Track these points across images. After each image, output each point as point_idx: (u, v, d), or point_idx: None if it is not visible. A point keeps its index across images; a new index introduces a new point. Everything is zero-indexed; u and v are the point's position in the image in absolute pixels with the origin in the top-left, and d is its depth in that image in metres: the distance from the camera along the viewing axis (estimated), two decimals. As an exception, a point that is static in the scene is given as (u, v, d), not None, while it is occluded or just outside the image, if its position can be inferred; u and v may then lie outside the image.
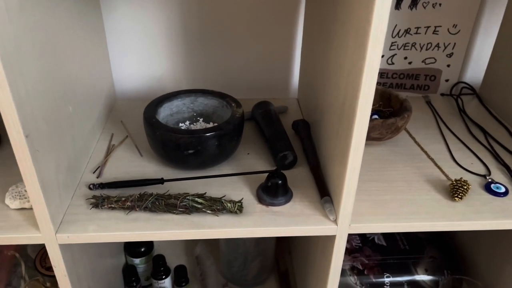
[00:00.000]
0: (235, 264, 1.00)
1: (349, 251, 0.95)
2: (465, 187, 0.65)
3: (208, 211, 0.62)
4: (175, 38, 0.93)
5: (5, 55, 0.46)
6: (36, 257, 0.85)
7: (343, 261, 0.92)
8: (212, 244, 1.11)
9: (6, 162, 0.73)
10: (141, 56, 0.94)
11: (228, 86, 1.00)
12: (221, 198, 0.63)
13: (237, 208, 0.61)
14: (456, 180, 0.67)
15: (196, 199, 0.62)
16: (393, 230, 0.62)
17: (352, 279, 0.91)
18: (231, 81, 0.99)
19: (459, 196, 0.64)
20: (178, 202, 0.61)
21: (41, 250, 0.87)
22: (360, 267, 0.92)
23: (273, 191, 0.64)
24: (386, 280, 0.91)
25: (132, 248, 0.99)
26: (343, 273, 0.91)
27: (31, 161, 0.52)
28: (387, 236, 0.99)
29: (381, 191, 0.67)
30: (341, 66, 0.58)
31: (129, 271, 0.96)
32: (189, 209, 0.61)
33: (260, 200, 0.65)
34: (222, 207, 0.61)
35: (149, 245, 1.01)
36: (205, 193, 0.64)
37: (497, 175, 0.71)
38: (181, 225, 0.61)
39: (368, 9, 0.46)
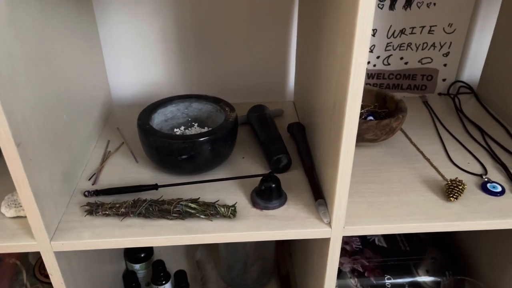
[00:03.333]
0: (235, 268, 1.00)
1: (349, 253, 0.94)
2: (461, 187, 0.65)
3: (202, 216, 0.62)
4: (170, 44, 0.93)
5: (-6, 66, 0.47)
6: (35, 265, 0.86)
7: (344, 263, 0.92)
8: (213, 248, 1.11)
9: (2, 171, 0.73)
10: (137, 63, 0.95)
11: (224, 90, 1.00)
12: (214, 202, 0.63)
13: (230, 212, 0.61)
14: (451, 180, 0.66)
15: (190, 204, 0.62)
16: (388, 231, 0.62)
17: (352, 282, 0.90)
18: (227, 85, 1.00)
19: (454, 196, 0.64)
20: (172, 208, 0.61)
21: (40, 257, 0.88)
22: (361, 269, 0.91)
23: (267, 194, 0.64)
24: (387, 282, 0.90)
25: (132, 254, 1.00)
26: (343, 275, 0.91)
27: (23, 170, 0.52)
28: (387, 237, 0.98)
29: (376, 193, 0.67)
30: (331, 68, 0.58)
31: (129, 277, 0.96)
32: (183, 214, 0.62)
33: (254, 204, 0.65)
34: (215, 212, 0.61)
35: (149, 250, 1.01)
36: (199, 198, 0.64)
37: (494, 174, 0.71)
38: (175, 230, 0.61)
39: (353, 12, 0.46)
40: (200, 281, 1.03)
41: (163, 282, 0.96)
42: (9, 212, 0.63)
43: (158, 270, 0.96)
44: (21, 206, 0.63)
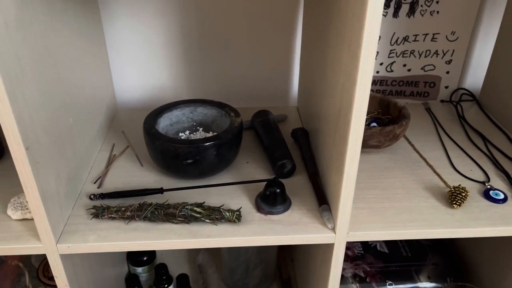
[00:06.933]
0: (237, 272, 1.00)
1: (351, 259, 0.95)
2: (464, 194, 0.65)
3: (207, 220, 0.62)
4: (175, 49, 0.94)
5: (4, 69, 0.47)
6: (39, 267, 0.86)
7: (345, 268, 0.93)
8: (215, 252, 1.11)
9: (8, 173, 0.74)
10: (142, 67, 0.96)
11: (228, 95, 1.01)
12: (219, 207, 0.63)
13: (235, 217, 0.62)
14: (454, 187, 0.67)
15: (195, 208, 0.62)
16: (392, 237, 0.62)
17: (354, 287, 0.91)
18: (231, 90, 1.00)
19: (458, 203, 0.64)
20: (177, 212, 0.62)
21: (44, 260, 0.88)
22: (362, 275, 0.92)
23: (271, 199, 0.64)
24: (389, 287, 0.90)
25: (134, 257, 1.00)
26: (345, 281, 0.91)
27: (32, 172, 0.53)
28: (389, 243, 0.98)
29: (379, 199, 0.68)
30: (336, 75, 0.58)
31: (131, 280, 0.96)
32: (188, 219, 0.62)
33: (259, 209, 0.65)
34: (220, 216, 0.62)
35: (151, 254, 1.01)
36: (204, 202, 0.65)
37: (496, 181, 0.71)
38: (180, 234, 0.61)
39: (360, 20, 0.47)
40: (202, 284, 1.03)
41: (166, 285, 0.97)
42: (15, 215, 0.63)
43: (161, 273, 0.96)
44: (27, 209, 0.63)
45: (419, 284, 0.91)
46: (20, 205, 0.64)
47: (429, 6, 0.88)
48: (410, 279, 0.91)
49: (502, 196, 0.67)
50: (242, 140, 0.79)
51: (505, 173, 0.73)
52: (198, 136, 0.79)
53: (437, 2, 0.88)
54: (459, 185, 0.67)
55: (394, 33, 0.91)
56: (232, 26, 0.92)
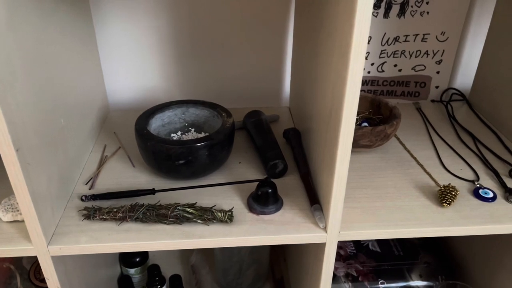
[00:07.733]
0: (230, 273, 1.00)
1: (343, 258, 0.95)
2: (453, 193, 0.66)
3: (199, 221, 0.62)
4: (167, 50, 0.94)
5: (-6, 71, 0.47)
6: (30, 269, 0.86)
7: (338, 268, 0.93)
8: (208, 252, 1.11)
9: (-1, 175, 0.73)
10: (134, 68, 0.96)
11: (220, 95, 1.01)
12: (211, 207, 0.63)
13: (227, 217, 0.62)
14: (444, 186, 0.68)
15: (187, 209, 0.62)
16: (383, 236, 0.63)
17: (346, 286, 0.91)
18: (223, 91, 1.00)
19: (447, 202, 0.65)
20: (169, 212, 0.62)
21: (35, 262, 0.87)
22: (355, 274, 0.92)
23: (263, 199, 0.65)
24: (381, 286, 0.91)
25: (127, 258, 1.00)
26: (337, 280, 0.91)
27: (22, 174, 0.53)
28: (381, 242, 0.99)
29: (370, 198, 0.68)
30: (327, 76, 0.59)
31: (124, 281, 0.96)
32: (180, 219, 0.62)
33: (251, 209, 0.65)
34: (212, 217, 0.62)
35: (144, 255, 1.01)
36: (196, 203, 0.65)
37: (486, 180, 0.72)
38: (172, 235, 0.61)
39: (350, 21, 0.47)
40: (195, 285, 1.03)
41: (158, 286, 0.96)
42: (6, 217, 0.63)
43: (153, 274, 0.96)
44: (18, 211, 0.63)
45: (411, 283, 0.92)
46: (11, 207, 0.63)
47: (419, 7, 0.89)
48: (402, 277, 0.92)
49: (491, 195, 0.68)
50: (234, 141, 0.79)
51: (495, 172, 0.74)
52: (190, 136, 0.79)
53: (427, 3, 0.89)
54: (449, 184, 0.68)
55: (385, 33, 0.92)
56: (224, 27, 0.92)
